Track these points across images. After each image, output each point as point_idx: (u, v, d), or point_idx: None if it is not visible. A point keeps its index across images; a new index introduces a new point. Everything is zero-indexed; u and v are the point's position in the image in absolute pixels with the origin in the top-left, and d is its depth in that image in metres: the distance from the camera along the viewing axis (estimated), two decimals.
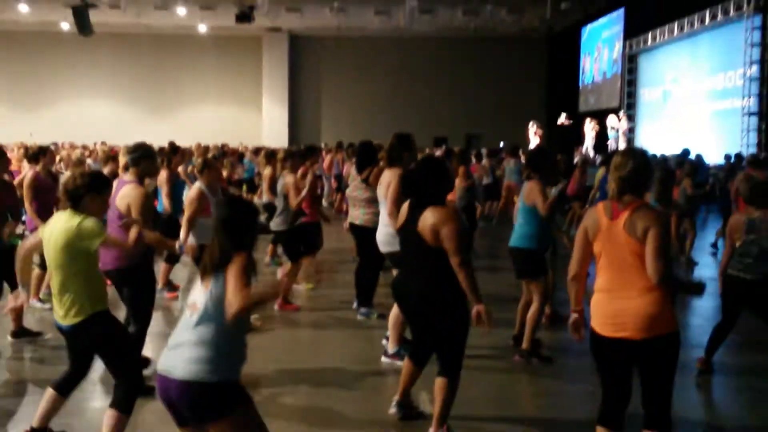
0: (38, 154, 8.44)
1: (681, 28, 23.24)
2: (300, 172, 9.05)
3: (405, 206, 5.05)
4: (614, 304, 3.96)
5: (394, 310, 6.35)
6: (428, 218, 4.70)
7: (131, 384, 4.44)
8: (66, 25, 26.34)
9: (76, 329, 4.41)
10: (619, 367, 4.06)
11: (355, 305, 8.24)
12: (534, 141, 22.77)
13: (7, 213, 6.82)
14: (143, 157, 6.09)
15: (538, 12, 27.68)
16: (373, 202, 7.54)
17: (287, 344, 7.21)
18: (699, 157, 17.74)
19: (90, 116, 32.07)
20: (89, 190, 4.53)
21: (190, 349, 3.32)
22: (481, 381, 6.06)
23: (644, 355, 3.95)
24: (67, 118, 31.79)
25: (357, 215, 7.95)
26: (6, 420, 5.33)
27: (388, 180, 6.77)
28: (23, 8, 26.47)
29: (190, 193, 7.70)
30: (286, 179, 8.75)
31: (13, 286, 6.39)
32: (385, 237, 6.82)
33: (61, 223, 4.44)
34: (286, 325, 7.90)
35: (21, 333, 7.18)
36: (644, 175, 4.02)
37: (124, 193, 5.70)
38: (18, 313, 7.07)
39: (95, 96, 33.42)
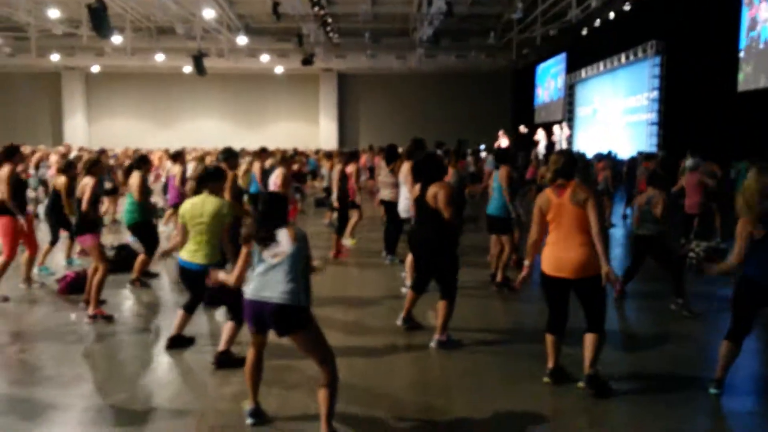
0: (177, 156, 9.37)
1: (605, 66, 22.80)
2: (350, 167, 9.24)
3: (418, 185, 5.07)
4: (559, 254, 3.96)
5: (410, 257, 6.35)
6: (431, 189, 4.80)
7: (235, 308, 4.44)
8: (188, 69, 26.08)
9: (198, 267, 4.42)
10: (559, 296, 4.07)
11: (383, 254, 8.28)
12: (503, 143, 22.43)
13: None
14: (229, 156, 6.67)
15: (507, 56, 27.37)
16: (396, 185, 7.54)
17: (338, 279, 7.27)
18: (615, 155, 17.49)
19: (205, 130, 31.93)
20: (209, 180, 4.60)
21: (283, 284, 3.28)
22: (469, 304, 6.08)
23: (581, 289, 3.96)
24: (190, 132, 31.63)
25: (385, 193, 7.96)
26: (156, 329, 5.49)
27: (406, 170, 6.76)
28: (159, 57, 26.61)
29: (277, 172, 7.88)
30: (337, 168, 8.87)
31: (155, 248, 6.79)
32: (404, 206, 6.83)
33: (209, 204, 4.46)
34: (338, 267, 7.97)
35: (147, 274, 7.14)
36: (571, 166, 4.03)
37: None
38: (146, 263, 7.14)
39: (208, 117, 33.30)
